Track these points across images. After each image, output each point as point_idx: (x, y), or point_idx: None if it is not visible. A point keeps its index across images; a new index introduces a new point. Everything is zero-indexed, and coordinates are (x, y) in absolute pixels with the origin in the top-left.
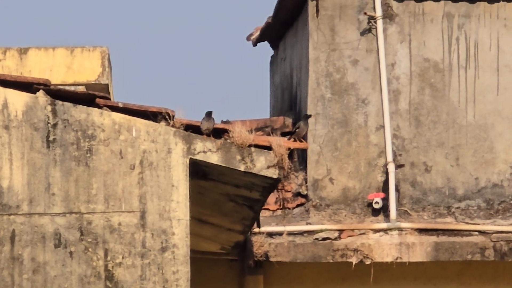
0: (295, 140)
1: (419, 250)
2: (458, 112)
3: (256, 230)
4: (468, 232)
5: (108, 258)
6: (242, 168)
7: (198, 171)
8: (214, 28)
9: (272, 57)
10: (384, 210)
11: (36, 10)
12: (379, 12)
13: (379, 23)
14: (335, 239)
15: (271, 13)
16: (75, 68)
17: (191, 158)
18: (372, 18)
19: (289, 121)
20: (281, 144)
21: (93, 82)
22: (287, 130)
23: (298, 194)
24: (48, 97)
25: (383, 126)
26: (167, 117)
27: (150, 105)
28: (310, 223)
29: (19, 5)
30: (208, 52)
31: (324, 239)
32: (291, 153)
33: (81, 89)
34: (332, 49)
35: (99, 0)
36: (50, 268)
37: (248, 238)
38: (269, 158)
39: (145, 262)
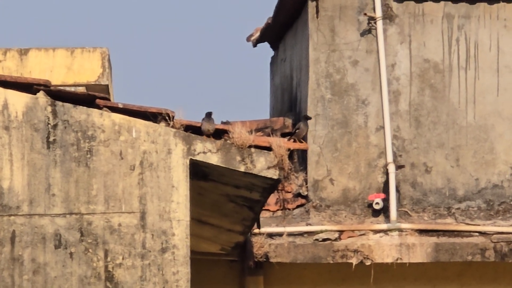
0: (295, 141)
1: (420, 251)
2: (458, 113)
3: (256, 231)
4: (469, 233)
5: (108, 259)
6: (242, 168)
7: (198, 172)
8: (214, 29)
9: (272, 58)
10: (384, 211)
11: (36, 11)
12: (379, 13)
13: (379, 24)
14: (335, 240)
15: (271, 14)
16: (75, 69)
17: (191, 158)
18: (372, 19)
19: (289, 121)
20: (281, 145)
21: (93, 83)
22: (287, 130)
23: (298, 195)
24: (48, 98)
25: (383, 127)
26: (167, 118)
27: (150, 106)
28: (310, 224)
29: (19, 6)
30: (208, 53)
31: (324, 240)
32: (291, 154)
33: (81, 90)
34: (332, 50)
35: (99, 1)
36: (50, 269)
37: (248, 239)
38: (269, 159)
39: (145, 263)
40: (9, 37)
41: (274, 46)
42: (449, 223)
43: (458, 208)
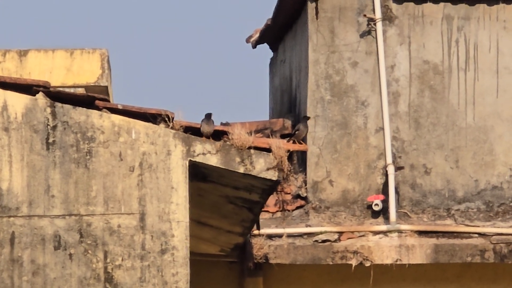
0: (294, 142)
1: (419, 252)
2: (458, 114)
3: (256, 232)
4: (468, 234)
5: (108, 260)
6: (241, 170)
7: (198, 173)
8: (214, 29)
9: (271, 59)
10: (383, 212)
11: (36, 12)
12: (378, 14)
13: (379, 25)
14: (335, 241)
15: (271, 15)
16: (75, 70)
17: (190, 160)
18: (371, 20)
19: (288, 123)
20: (280, 146)
21: (92, 84)
22: (286, 132)
23: (297, 196)
24: (48, 99)
25: (382, 128)
26: (166, 119)
27: (150, 107)
28: (309, 225)
29: (19, 6)
30: (207, 54)
31: (323, 241)
32: (290, 155)
33: (81, 91)
34: (331, 51)
35: (98, 1)
36: (49, 270)
37: (247, 240)
38: (269, 160)
39: (145, 264)
40: (9, 38)
41: (274, 47)
42: (449, 225)
43: (458, 210)
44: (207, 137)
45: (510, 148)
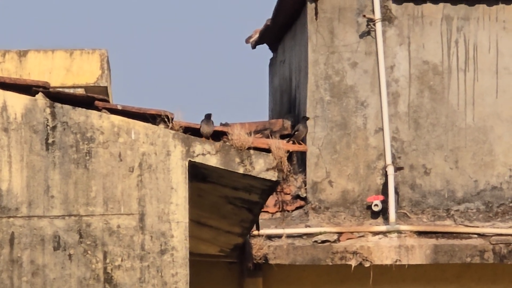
0: (294, 143)
1: (418, 253)
2: (457, 115)
3: (255, 232)
4: (467, 235)
5: (107, 260)
6: (241, 170)
7: (197, 174)
8: (213, 30)
9: (271, 59)
10: (383, 212)
11: (36, 12)
12: (378, 14)
13: (378, 26)
14: (334, 241)
15: (270, 15)
16: (74, 70)
17: (190, 160)
18: (371, 21)
19: (288, 123)
20: (280, 146)
21: (92, 85)
22: (286, 132)
23: (297, 197)
24: (47, 99)
25: (382, 129)
26: (166, 119)
27: (149, 108)
28: (309, 226)
29: (18, 7)
30: (207, 54)
31: (323, 241)
32: (290, 155)
33: (80, 91)
34: (331, 52)
35: (98, 1)
36: (49, 271)
37: (247, 240)
38: (268, 161)
39: (144, 265)
40: (8, 38)
41: (273, 48)
42: (448, 225)
43: (457, 210)
44: (207, 137)
45: (509, 148)
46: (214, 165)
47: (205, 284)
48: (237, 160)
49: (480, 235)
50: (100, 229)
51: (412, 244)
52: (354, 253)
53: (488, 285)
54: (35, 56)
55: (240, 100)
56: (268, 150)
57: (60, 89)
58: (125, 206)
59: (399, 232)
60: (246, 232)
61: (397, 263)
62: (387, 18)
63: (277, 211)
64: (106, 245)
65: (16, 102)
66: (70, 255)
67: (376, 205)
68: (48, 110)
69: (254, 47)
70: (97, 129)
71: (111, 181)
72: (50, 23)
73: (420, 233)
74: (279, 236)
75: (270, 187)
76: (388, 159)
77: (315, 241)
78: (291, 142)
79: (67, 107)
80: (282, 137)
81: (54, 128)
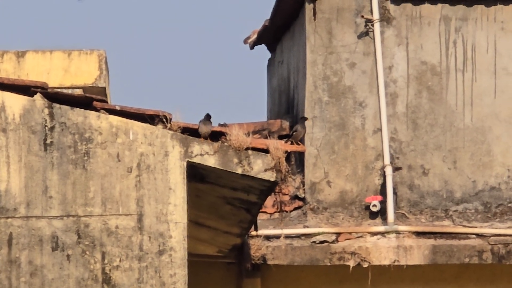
0: (292, 143)
1: (417, 253)
2: (456, 115)
3: (254, 233)
4: (466, 235)
5: (106, 261)
6: (239, 171)
7: (196, 174)
8: (212, 30)
9: (269, 60)
10: (381, 213)
11: (35, 12)
12: (376, 15)
13: (376, 26)
14: (333, 242)
15: (269, 16)
16: (73, 71)
17: (188, 161)
18: (369, 21)
19: (286, 124)
20: (278, 147)
21: (90, 85)
22: (284, 133)
23: (295, 197)
24: (46, 100)
25: (380, 129)
26: (164, 120)
27: (147, 108)
28: (307, 226)
29: (17, 7)
30: (205, 54)
31: (321, 242)
32: (288, 156)
33: (79, 92)
34: (329, 52)
35: (96, 1)
36: (47, 271)
37: (245, 241)
38: (267, 161)
39: (143, 265)
40: (7, 39)
41: (272, 48)
42: (447, 225)
43: (456, 210)
44: (205, 137)
45: (507, 149)
46: (212, 166)
47: (203, 284)
48: (235, 160)
49: (479, 235)
50: (99, 230)
51: (410, 245)
52: (353, 253)
53: (486, 286)
54: (33, 57)
55: (238, 101)
56: (266, 151)
57: (58, 90)
58: (123, 207)
59: (397, 232)
60: (244, 233)
61: (396, 263)
62: (385, 18)
63: (275, 212)
64: (105, 246)
65: (14, 102)
66: (68, 256)
67: (374, 205)
68: (46, 111)
69: (252, 47)
70: (95, 130)
71: (109, 181)
72: (49, 23)
73: (418, 234)
74: (277, 237)
75: (269, 187)
76: (387, 160)
77: (314, 242)
78: (289, 142)
79: (65, 107)
80: (280, 137)
81: (52, 128)
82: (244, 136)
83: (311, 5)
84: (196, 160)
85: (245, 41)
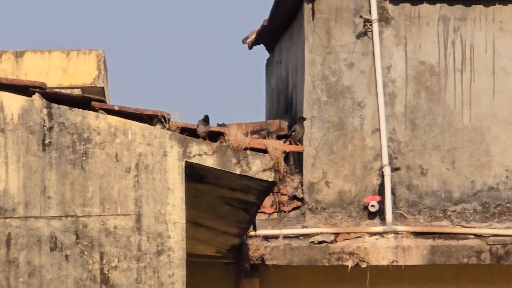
0: (290, 143)
1: (415, 254)
2: (454, 115)
3: (252, 233)
4: (464, 236)
5: (104, 261)
6: (237, 171)
7: (194, 174)
8: (211, 30)
9: (267, 60)
10: (380, 213)
11: (34, 12)
12: (374, 15)
13: (375, 26)
14: (331, 242)
15: (268, 16)
16: (71, 71)
17: (186, 161)
18: (368, 21)
19: (285, 124)
20: (276, 147)
21: (89, 85)
22: (282, 133)
23: (294, 197)
24: (44, 100)
25: (379, 129)
26: (162, 120)
27: (146, 108)
28: (306, 226)
29: (16, 7)
30: (204, 54)
31: (320, 242)
32: (286, 156)
33: (77, 92)
34: (328, 52)
35: (96, 1)
36: (45, 272)
37: (244, 241)
38: (265, 161)
39: (141, 266)
40: (5, 39)
41: (270, 48)
42: (445, 226)
43: (454, 211)
44: (203, 138)
45: (506, 149)
46: (210, 166)
47: (201, 285)
48: (234, 160)
49: (477, 235)
50: (97, 230)
51: (408, 245)
52: (351, 253)
53: (485, 286)
54: (31, 57)
55: (237, 101)
56: (264, 151)
57: (57, 90)
58: (121, 207)
59: (395, 232)
60: (243, 233)
61: (394, 263)
62: (384, 18)
63: (273, 212)
64: (103, 246)
65: (13, 102)
66: (66, 256)
67: (372, 205)
68: (45, 111)
69: (250, 47)
70: (93, 130)
71: (107, 181)
72: (48, 23)
73: (416, 234)
74: (275, 237)
75: (267, 187)
76: (385, 160)
77: (312, 242)
78: (287, 142)
79: (63, 107)
80: (279, 137)
81: (50, 128)
82: (242, 136)
83: (310, 5)
84: (194, 160)
85: (244, 41)
